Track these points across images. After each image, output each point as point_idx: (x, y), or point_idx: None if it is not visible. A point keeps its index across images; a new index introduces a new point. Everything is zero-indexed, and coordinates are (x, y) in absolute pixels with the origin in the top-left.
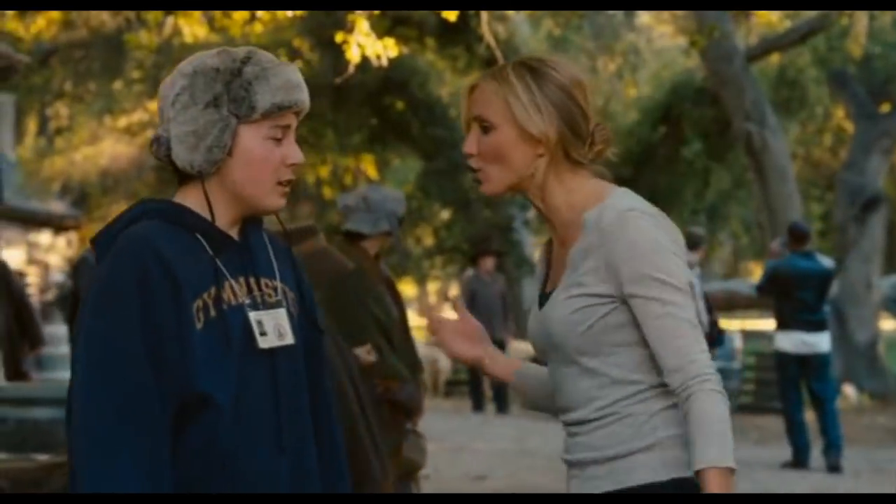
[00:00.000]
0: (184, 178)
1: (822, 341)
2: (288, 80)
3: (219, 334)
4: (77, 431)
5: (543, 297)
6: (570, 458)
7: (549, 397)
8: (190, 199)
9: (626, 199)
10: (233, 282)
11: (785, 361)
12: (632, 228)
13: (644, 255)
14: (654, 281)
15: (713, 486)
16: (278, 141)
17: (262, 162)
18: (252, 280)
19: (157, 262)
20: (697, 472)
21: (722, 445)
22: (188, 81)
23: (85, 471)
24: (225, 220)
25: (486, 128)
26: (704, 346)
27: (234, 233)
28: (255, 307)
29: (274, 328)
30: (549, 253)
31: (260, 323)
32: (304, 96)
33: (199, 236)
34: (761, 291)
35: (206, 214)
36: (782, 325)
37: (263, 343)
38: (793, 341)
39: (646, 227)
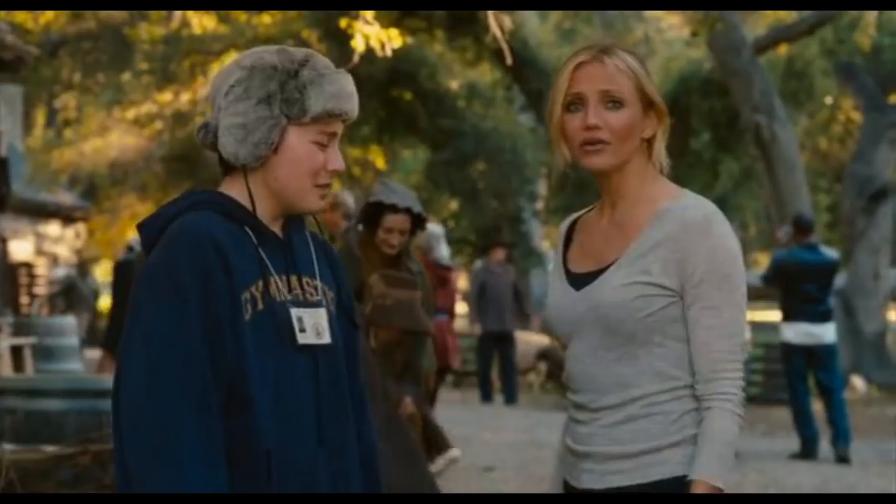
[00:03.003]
0: (228, 168)
1: (827, 332)
2: (342, 89)
3: (264, 327)
4: (132, 416)
5: (576, 277)
6: (588, 449)
7: None
8: (234, 190)
9: (705, 201)
10: (277, 278)
11: (791, 353)
12: (716, 233)
13: (722, 263)
14: (720, 291)
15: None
16: (323, 146)
17: (305, 164)
18: (294, 278)
19: (216, 251)
20: (692, 481)
21: (721, 465)
22: (245, 75)
23: (142, 455)
24: (266, 215)
25: (616, 104)
26: (739, 360)
27: (276, 229)
28: (297, 304)
29: (313, 327)
30: (572, 231)
31: (300, 320)
32: (354, 105)
33: (247, 230)
34: (767, 282)
35: (248, 207)
36: (788, 316)
37: (302, 339)
38: (798, 332)
39: (727, 234)
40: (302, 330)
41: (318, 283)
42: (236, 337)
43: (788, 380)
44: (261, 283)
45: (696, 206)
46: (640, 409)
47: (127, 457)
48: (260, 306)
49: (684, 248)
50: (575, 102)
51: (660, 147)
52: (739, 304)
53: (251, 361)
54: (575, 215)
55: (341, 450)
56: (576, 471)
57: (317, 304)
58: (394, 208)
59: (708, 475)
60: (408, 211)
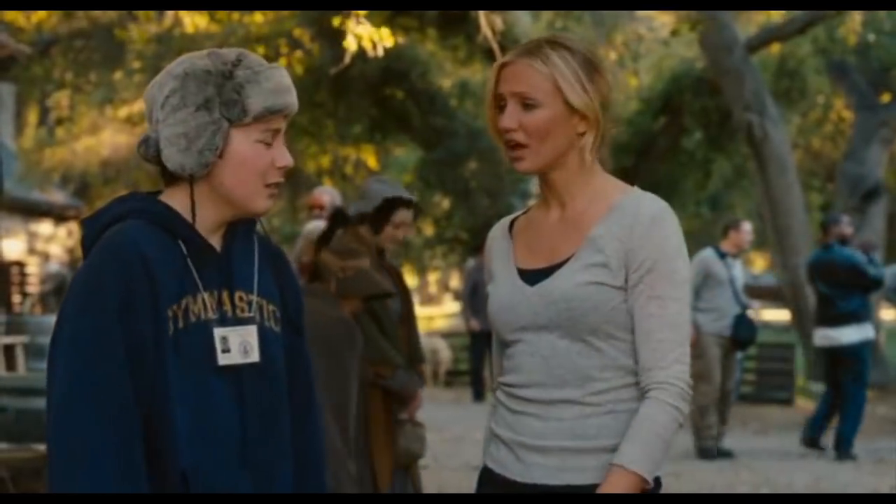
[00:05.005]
0: (172, 178)
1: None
2: (279, 84)
3: (186, 346)
4: (53, 430)
5: (527, 273)
6: (544, 443)
7: None
8: (176, 199)
9: (656, 197)
10: (205, 294)
11: (869, 351)
12: (668, 226)
13: (670, 257)
14: (666, 282)
15: (618, 485)
16: (268, 144)
17: (253, 165)
18: (226, 293)
19: (142, 265)
20: (612, 465)
21: (647, 454)
22: (179, 83)
23: (58, 473)
24: (209, 223)
25: (531, 105)
26: (684, 352)
27: (217, 238)
28: (224, 322)
29: (240, 345)
30: (511, 230)
31: (224, 339)
32: (293, 99)
33: (180, 243)
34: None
35: (188, 217)
36: (861, 318)
37: (223, 360)
38: (870, 331)
39: (677, 231)
40: (225, 350)
41: (253, 297)
42: (157, 354)
43: (859, 381)
44: (186, 301)
45: (650, 200)
46: (604, 404)
47: (49, 462)
48: (181, 324)
49: (634, 239)
50: (500, 104)
51: (587, 140)
52: (683, 299)
53: (170, 380)
54: (511, 217)
55: (270, 468)
56: (521, 464)
57: (247, 322)
58: (409, 203)
59: (630, 462)
60: (415, 205)
